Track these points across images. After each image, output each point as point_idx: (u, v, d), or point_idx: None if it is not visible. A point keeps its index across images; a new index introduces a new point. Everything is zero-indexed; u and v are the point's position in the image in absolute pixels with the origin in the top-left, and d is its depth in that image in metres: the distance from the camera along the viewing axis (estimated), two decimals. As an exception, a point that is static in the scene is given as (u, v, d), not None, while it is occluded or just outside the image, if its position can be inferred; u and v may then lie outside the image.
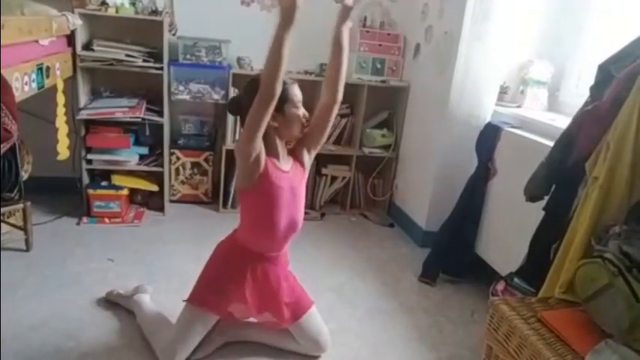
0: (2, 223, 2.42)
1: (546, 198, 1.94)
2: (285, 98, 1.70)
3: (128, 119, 2.85)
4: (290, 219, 1.80)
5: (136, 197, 3.15)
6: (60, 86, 2.50)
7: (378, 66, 3.29)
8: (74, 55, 2.73)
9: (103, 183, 3.00)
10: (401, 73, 3.36)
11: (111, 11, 2.76)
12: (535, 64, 2.67)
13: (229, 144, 3.16)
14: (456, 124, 2.74)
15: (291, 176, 1.79)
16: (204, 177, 3.30)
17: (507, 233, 2.36)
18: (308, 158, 1.90)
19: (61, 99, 2.53)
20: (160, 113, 2.95)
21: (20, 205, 2.41)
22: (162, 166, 3.05)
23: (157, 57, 2.89)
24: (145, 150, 3.05)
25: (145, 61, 2.85)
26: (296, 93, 1.75)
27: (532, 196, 1.95)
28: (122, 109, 2.84)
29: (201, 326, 1.83)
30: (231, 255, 1.86)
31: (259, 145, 1.65)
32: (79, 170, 2.95)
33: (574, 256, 1.58)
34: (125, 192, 3.00)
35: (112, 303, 2.14)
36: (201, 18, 3.11)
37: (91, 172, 3.00)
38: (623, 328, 1.31)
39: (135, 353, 1.87)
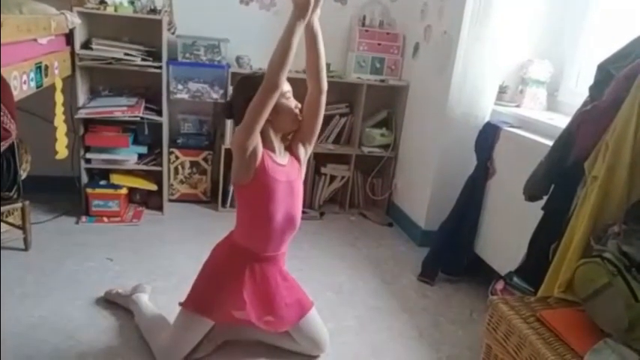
0: (1, 223, 2.41)
1: (545, 197, 1.94)
2: None
3: (127, 118, 2.85)
4: (287, 214, 1.78)
5: (134, 196, 3.14)
6: (58, 85, 2.50)
7: (377, 65, 3.29)
8: (73, 53, 2.73)
9: (102, 182, 3.00)
10: (400, 72, 3.36)
11: (110, 10, 2.75)
12: (534, 63, 2.67)
13: (228, 143, 3.15)
14: (455, 123, 2.74)
15: (287, 170, 1.78)
16: (203, 176, 3.29)
17: (506, 232, 2.36)
18: (304, 153, 1.89)
19: (59, 98, 2.52)
20: (159, 112, 2.95)
21: (19, 205, 2.41)
22: (161, 165, 3.05)
23: (155, 56, 2.89)
24: (143, 149, 3.05)
25: (143, 60, 2.84)
26: (284, 86, 1.73)
27: (531, 195, 1.95)
28: (121, 108, 2.84)
29: (197, 330, 1.82)
30: (228, 257, 1.84)
31: (256, 139, 1.64)
32: (77, 169, 2.94)
33: (573, 255, 1.59)
34: (124, 191, 3.00)
35: (111, 302, 2.14)
36: (200, 17, 3.11)
37: (89, 171, 2.99)
38: (622, 327, 1.31)
39: (133, 352, 1.87)
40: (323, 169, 3.39)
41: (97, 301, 2.16)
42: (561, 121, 2.14)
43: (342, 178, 3.44)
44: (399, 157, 3.41)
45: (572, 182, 1.76)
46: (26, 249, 2.49)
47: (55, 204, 2.98)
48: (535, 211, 1.98)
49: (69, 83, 2.74)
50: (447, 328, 2.24)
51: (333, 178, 3.43)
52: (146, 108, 2.92)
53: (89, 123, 2.89)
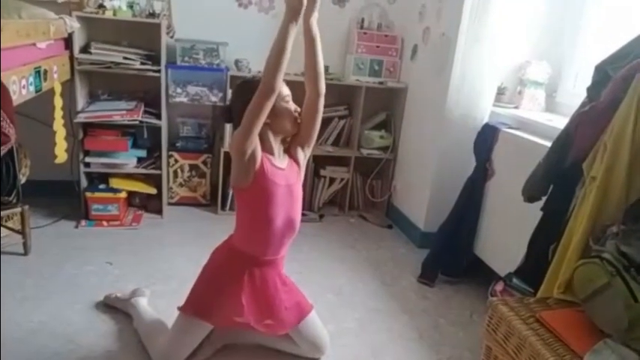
0: (1, 227, 2.41)
1: (544, 198, 1.94)
2: None
3: (126, 122, 2.85)
4: (286, 217, 1.78)
5: (134, 200, 3.14)
6: (57, 89, 2.50)
7: (376, 67, 3.30)
8: (72, 58, 2.73)
9: (101, 186, 3.00)
10: (399, 74, 3.37)
11: (108, 14, 2.75)
12: (532, 64, 2.68)
13: (227, 146, 3.15)
14: (454, 125, 2.75)
15: (287, 173, 1.78)
16: (202, 179, 3.30)
17: (506, 234, 2.36)
18: (303, 156, 1.89)
19: (58, 102, 2.53)
20: (158, 116, 2.95)
21: (18, 209, 2.41)
22: (160, 168, 3.05)
23: (154, 60, 2.90)
24: (143, 153, 3.05)
25: (142, 63, 2.85)
26: (283, 89, 1.75)
27: (530, 196, 1.95)
28: (120, 111, 2.84)
29: (196, 334, 1.82)
30: (227, 261, 1.83)
31: (255, 142, 1.64)
32: (76, 173, 2.95)
33: (572, 256, 1.59)
34: (123, 195, 3.00)
35: (110, 306, 2.14)
36: (199, 20, 3.12)
37: (89, 175, 3.00)
38: (621, 327, 1.31)
39: (132, 356, 1.87)
40: (322, 172, 3.40)
41: (96, 305, 2.15)
42: (560, 122, 2.15)
43: (342, 180, 3.45)
44: (398, 159, 3.41)
45: (570, 183, 1.76)
46: (25, 253, 2.49)
47: (54, 208, 2.98)
48: (534, 212, 1.99)
49: (68, 87, 2.74)
50: (447, 329, 2.24)
51: (332, 180, 3.43)
52: (145, 112, 2.92)
53: (88, 127, 2.90)
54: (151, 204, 3.15)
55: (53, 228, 2.82)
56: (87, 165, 2.93)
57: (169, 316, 1.90)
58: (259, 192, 1.72)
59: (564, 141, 1.82)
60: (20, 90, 2.02)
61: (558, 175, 1.85)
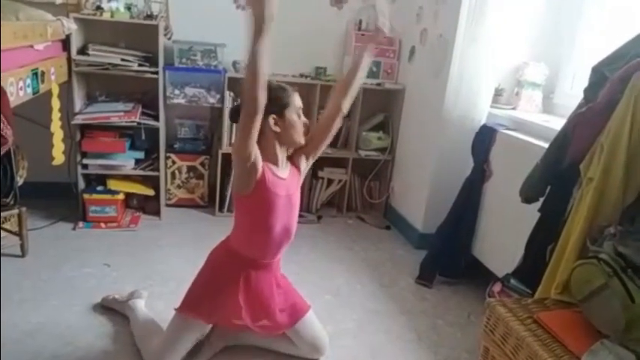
0: (-1, 229, 2.41)
1: (542, 199, 1.94)
2: (286, 104, 1.72)
3: (124, 124, 2.84)
4: (284, 226, 1.79)
5: (131, 202, 3.14)
6: (55, 91, 2.50)
7: (374, 69, 3.30)
8: (69, 59, 2.73)
9: (99, 188, 2.99)
10: (396, 75, 3.37)
11: (106, 16, 2.75)
12: (530, 66, 2.68)
13: (225, 148, 3.16)
14: (452, 126, 2.75)
15: (288, 183, 1.79)
16: (200, 181, 3.29)
17: (503, 235, 2.36)
18: (305, 165, 1.91)
19: (56, 104, 2.52)
20: (156, 117, 2.95)
21: (15, 211, 2.40)
22: (158, 170, 3.05)
23: (152, 61, 2.89)
24: (140, 154, 3.05)
25: (140, 65, 2.85)
26: (297, 101, 1.77)
27: (527, 197, 1.96)
28: (117, 113, 2.83)
29: (190, 334, 1.81)
30: (224, 262, 1.84)
31: (254, 152, 1.63)
32: (74, 175, 2.94)
33: (569, 257, 1.59)
34: (121, 196, 2.99)
35: (108, 308, 2.14)
36: (197, 22, 3.11)
37: (86, 176, 2.99)
38: (619, 328, 1.32)
39: (130, 358, 1.86)
40: (320, 173, 3.40)
41: (94, 307, 2.15)
42: (557, 124, 2.15)
43: (340, 181, 3.45)
44: (396, 160, 3.41)
45: (568, 184, 1.77)
46: (23, 255, 2.49)
47: (51, 210, 2.97)
48: (532, 213, 1.99)
49: (65, 89, 2.74)
50: (445, 330, 2.24)
51: (330, 181, 3.44)
52: (143, 113, 2.92)
53: (86, 129, 2.89)
54: (149, 205, 3.15)
55: (51, 230, 2.82)
56: (84, 167, 2.93)
57: (167, 317, 1.90)
58: (259, 201, 1.73)
59: (561, 142, 1.82)
60: (17, 92, 2.02)
61: (556, 176, 1.85)
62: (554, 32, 2.70)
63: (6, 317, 1.97)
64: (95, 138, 2.91)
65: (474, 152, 2.61)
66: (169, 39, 3.02)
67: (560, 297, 1.58)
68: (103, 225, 2.93)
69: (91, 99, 3.06)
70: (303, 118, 1.79)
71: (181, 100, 3.06)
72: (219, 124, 3.21)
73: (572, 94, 2.54)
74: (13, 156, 2.32)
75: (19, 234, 2.46)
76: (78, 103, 2.86)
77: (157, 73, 2.86)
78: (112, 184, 3.00)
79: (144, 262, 2.56)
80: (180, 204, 3.30)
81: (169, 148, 3.23)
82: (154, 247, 2.75)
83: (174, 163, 3.21)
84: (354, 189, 3.54)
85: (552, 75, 2.70)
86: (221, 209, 3.26)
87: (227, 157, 3.18)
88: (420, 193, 3.00)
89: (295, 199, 1.83)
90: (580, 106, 1.78)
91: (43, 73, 2.30)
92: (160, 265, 2.54)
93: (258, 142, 1.66)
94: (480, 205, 2.56)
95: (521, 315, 1.48)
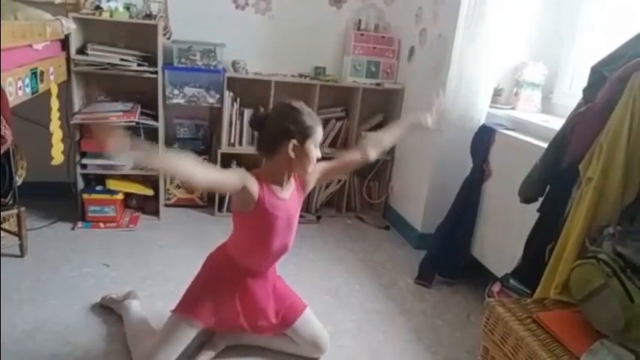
0: (-2, 229, 2.41)
1: (541, 199, 1.94)
2: (310, 134, 1.69)
3: (123, 123, 2.83)
4: (282, 243, 1.83)
5: (131, 202, 3.14)
6: (54, 91, 2.50)
7: (373, 69, 3.30)
8: (68, 59, 2.72)
9: (98, 187, 2.99)
10: (395, 75, 3.37)
11: (105, 15, 2.75)
12: (529, 66, 2.68)
13: (224, 148, 3.16)
14: (451, 126, 2.75)
15: (288, 205, 1.79)
16: (199, 181, 3.29)
17: (502, 235, 2.37)
18: (310, 186, 1.93)
19: (55, 103, 2.52)
20: (155, 117, 2.95)
21: (14, 211, 2.40)
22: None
23: (151, 61, 2.89)
24: (140, 154, 3.04)
25: (139, 65, 2.84)
26: (320, 133, 1.74)
27: (526, 197, 1.96)
28: (117, 113, 2.83)
29: (184, 335, 1.79)
30: (222, 267, 1.85)
31: (240, 183, 1.63)
32: (73, 175, 2.94)
33: (569, 257, 1.59)
34: (120, 196, 2.99)
35: (107, 307, 2.14)
36: (196, 22, 3.11)
37: (85, 176, 2.99)
38: (618, 328, 1.32)
39: (129, 358, 1.85)
40: (319, 173, 3.39)
41: (93, 307, 2.15)
42: (556, 123, 2.15)
43: (339, 181, 3.44)
44: (395, 160, 3.41)
45: (567, 184, 1.77)
46: (22, 255, 2.48)
47: (51, 210, 2.97)
48: (531, 213, 1.99)
49: (64, 89, 2.73)
50: (444, 330, 2.24)
51: (329, 181, 3.43)
52: (142, 113, 2.92)
53: (85, 128, 2.89)
54: (148, 205, 3.14)
55: (50, 230, 2.81)
56: (83, 166, 2.93)
57: (166, 317, 1.90)
58: (258, 221, 1.74)
59: (561, 142, 1.82)
60: (16, 91, 2.02)
61: (555, 176, 1.85)
62: (554, 32, 2.71)
63: (5, 317, 1.97)
64: (94, 138, 2.90)
65: (473, 152, 2.61)
66: (168, 39, 3.02)
67: (559, 297, 1.58)
68: (102, 225, 2.92)
69: (90, 99, 3.05)
70: (318, 152, 1.75)
71: (180, 100, 3.06)
72: (218, 124, 3.21)
73: (571, 94, 2.53)
74: (12, 156, 2.32)
75: (18, 234, 2.46)
76: (77, 102, 2.86)
77: (156, 72, 2.86)
78: (111, 184, 2.99)
79: (143, 262, 2.56)
80: (179, 204, 3.29)
81: (168, 147, 3.22)
82: (154, 247, 2.75)
83: (173, 163, 3.20)
84: (354, 189, 3.54)
85: (551, 75, 2.70)
86: (220, 209, 3.26)
87: (226, 157, 3.18)
88: (419, 193, 3.00)
89: (294, 220, 1.85)
90: (579, 105, 1.78)
91: (42, 72, 2.30)
92: (159, 265, 2.54)
93: (269, 159, 1.70)
94: (479, 205, 2.56)
95: (520, 315, 1.49)
